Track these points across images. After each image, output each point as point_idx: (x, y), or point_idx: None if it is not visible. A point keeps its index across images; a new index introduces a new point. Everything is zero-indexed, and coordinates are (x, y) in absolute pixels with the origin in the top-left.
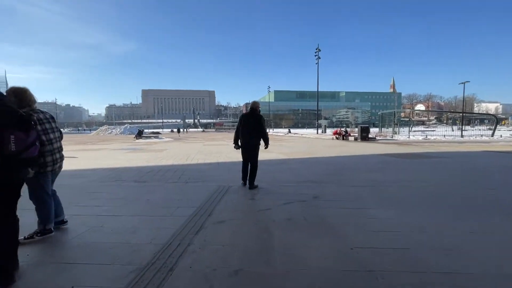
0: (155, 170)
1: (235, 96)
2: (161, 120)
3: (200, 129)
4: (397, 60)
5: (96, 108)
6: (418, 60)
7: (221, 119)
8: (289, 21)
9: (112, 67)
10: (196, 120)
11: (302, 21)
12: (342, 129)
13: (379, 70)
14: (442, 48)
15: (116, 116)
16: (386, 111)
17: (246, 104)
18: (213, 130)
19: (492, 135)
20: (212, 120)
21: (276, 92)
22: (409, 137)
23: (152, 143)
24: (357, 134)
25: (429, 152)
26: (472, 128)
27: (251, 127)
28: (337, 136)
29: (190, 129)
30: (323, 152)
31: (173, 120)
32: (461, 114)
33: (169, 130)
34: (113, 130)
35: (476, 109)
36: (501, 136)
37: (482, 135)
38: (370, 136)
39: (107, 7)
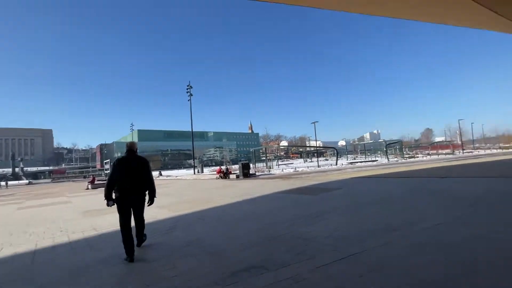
0: None
1: (85, 136)
2: None
3: (25, 181)
4: (254, 101)
5: None
6: (269, 102)
7: (65, 165)
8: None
9: None
10: (18, 169)
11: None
12: (223, 167)
13: (239, 112)
14: (293, 97)
15: None
16: (257, 148)
17: (101, 145)
18: (49, 180)
19: (336, 163)
20: (46, 168)
21: (140, 131)
22: (282, 171)
23: None
24: (238, 172)
25: (323, 184)
26: (315, 159)
27: (134, 175)
28: (221, 175)
29: (10, 182)
30: (220, 197)
31: None
32: (306, 149)
33: None
34: None
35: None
36: (342, 165)
37: (331, 165)
38: (250, 172)
39: None
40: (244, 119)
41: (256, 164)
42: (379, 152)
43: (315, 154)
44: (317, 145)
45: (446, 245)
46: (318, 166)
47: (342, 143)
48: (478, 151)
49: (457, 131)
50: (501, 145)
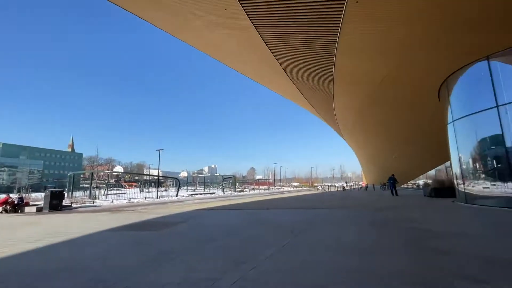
0: None
1: None
2: None
3: None
4: (77, 119)
5: None
6: (101, 123)
7: None
8: None
9: None
10: None
11: None
12: (13, 195)
13: (60, 124)
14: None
15: None
16: (78, 172)
17: None
18: None
19: (177, 195)
20: None
21: None
22: (112, 202)
23: None
24: (41, 203)
25: (165, 217)
26: (155, 189)
27: None
28: (8, 207)
29: None
30: (9, 243)
31: None
32: (143, 177)
33: None
34: None
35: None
36: (183, 196)
37: (171, 196)
38: (64, 203)
39: None
40: (64, 134)
41: (75, 193)
42: (215, 185)
43: (154, 184)
44: (159, 175)
45: (288, 270)
46: (158, 197)
47: (184, 174)
48: (284, 188)
49: (271, 172)
50: (295, 184)
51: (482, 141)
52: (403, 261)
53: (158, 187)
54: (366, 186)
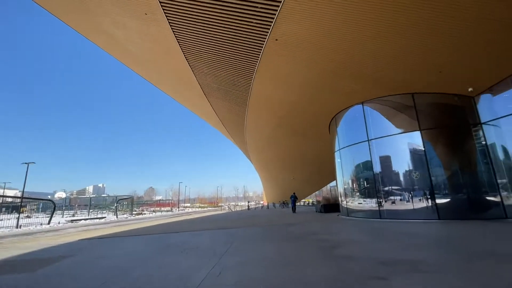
0: None
1: None
2: None
3: None
4: None
5: None
6: None
7: None
8: None
9: None
10: None
11: None
12: None
13: None
14: None
15: None
16: None
17: None
18: None
19: (49, 221)
20: None
21: None
22: None
23: None
24: None
25: (37, 252)
26: (12, 216)
27: None
28: None
29: None
30: None
31: None
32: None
33: None
34: None
35: None
36: (59, 223)
37: (41, 224)
38: None
39: None
40: None
41: None
42: (105, 207)
43: (11, 210)
44: (23, 196)
45: None
46: (18, 226)
47: (60, 195)
48: (188, 209)
49: (175, 192)
50: (200, 204)
51: (358, 166)
52: (323, 268)
53: (19, 213)
54: (268, 204)
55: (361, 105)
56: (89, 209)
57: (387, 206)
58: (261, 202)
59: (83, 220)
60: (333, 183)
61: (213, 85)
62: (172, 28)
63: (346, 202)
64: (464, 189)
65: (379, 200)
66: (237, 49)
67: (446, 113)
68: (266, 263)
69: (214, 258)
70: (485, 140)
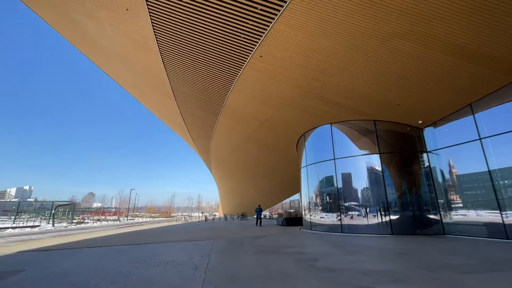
0: None
1: None
2: None
3: None
4: None
5: None
6: None
7: None
8: None
9: None
10: None
11: None
12: None
13: None
14: None
15: None
16: None
17: None
18: None
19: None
20: None
21: None
22: None
23: None
24: None
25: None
26: None
27: None
28: None
29: None
30: None
31: None
32: None
33: None
34: None
35: None
36: None
37: None
38: None
39: None
40: None
41: None
42: (34, 214)
43: None
44: None
45: None
46: None
47: None
48: (139, 219)
49: (125, 199)
50: (152, 214)
51: (322, 182)
52: (310, 281)
53: None
54: (225, 216)
55: (329, 126)
56: (16, 215)
57: (347, 220)
58: (215, 213)
59: (10, 229)
60: (293, 197)
61: (186, 90)
62: (154, 28)
63: (310, 216)
64: (412, 207)
65: (341, 215)
66: (220, 59)
67: (400, 140)
68: (259, 279)
69: (199, 272)
70: (429, 165)
